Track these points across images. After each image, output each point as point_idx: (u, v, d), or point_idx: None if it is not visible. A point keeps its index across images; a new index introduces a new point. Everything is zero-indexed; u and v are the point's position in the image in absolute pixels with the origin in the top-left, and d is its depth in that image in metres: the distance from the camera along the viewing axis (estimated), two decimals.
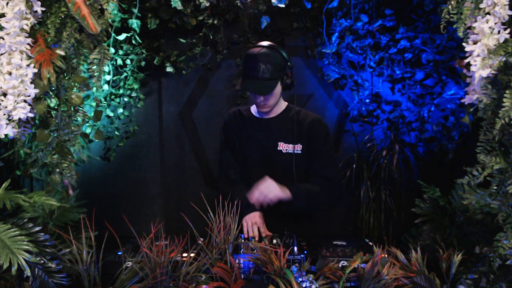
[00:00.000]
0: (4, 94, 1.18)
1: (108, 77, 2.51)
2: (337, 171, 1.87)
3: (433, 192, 1.55)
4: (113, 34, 2.36)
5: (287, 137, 1.82)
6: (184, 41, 2.59)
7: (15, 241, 1.13)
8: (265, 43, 1.71)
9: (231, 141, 1.89)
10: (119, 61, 2.50)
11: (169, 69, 2.61)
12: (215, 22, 2.57)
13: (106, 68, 2.40)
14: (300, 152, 1.80)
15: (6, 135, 1.20)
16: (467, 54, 1.20)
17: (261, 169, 1.84)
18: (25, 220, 1.25)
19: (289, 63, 1.73)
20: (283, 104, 1.88)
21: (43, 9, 1.19)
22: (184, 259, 1.30)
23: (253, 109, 1.92)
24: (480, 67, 1.15)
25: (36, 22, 1.21)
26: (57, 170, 1.35)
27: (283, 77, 1.71)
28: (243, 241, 1.48)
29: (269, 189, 1.64)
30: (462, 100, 1.29)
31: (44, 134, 1.30)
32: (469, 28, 1.20)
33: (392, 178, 2.60)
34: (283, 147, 1.81)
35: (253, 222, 1.62)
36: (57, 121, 1.32)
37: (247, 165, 1.87)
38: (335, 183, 1.80)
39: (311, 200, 1.70)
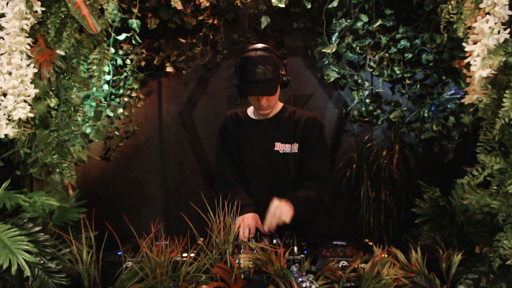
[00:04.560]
0: (4, 94, 1.18)
1: (108, 77, 2.51)
2: (329, 168, 1.85)
3: (433, 192, 1.55)
4: (113, 34, 2.36)
5: (283, 137, 1.82)
6: (184, 41, 2.59)
7: (15, 241, 1.13)
8: (258, 45, 1.71)
9: (228, 143, 1.90)
10: (119, 61, 2.50)
11: (169, 69, 2.61)
12: (215, 22, 2.57)
13: (106, 68, 2.40)
14: (296, 151, 1.81)
15: (6, 135, 1.20)
16: (467, 54, 1.20)
17: (258, 170, 1.84)
18: (25, 220, 1.25)
19: (284, 61, 1.75)
20: (279, 105, 1.89)
21: (43, 9, 1.19)
22: (184, 259, 1.29)
23: (250, 111, 1.92)
24: (480, 67, 1.15)
25: (36, 22, 1.21)
26: (57, 170, 1.34)
27: (281, 76, 1.71)
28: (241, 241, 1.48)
29: (282, 211, 1.57)
30: (462, 100, 1.29)
31: (44, 134, 1.30)
32: (469, 28, 1.20)
33: (392, 178, 2.59)
34: (280, 147, 1.82)
35: (245, 224, 1.61)
36: (57, 121, 1.32)
37: (244, 167, 1.87)
38: (328, 180, 1.79)
39: (310, 207, 1.70)
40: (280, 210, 1.57)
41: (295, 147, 1.81)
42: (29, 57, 1.19)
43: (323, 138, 1.83)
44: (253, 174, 1.85)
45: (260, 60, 1.63)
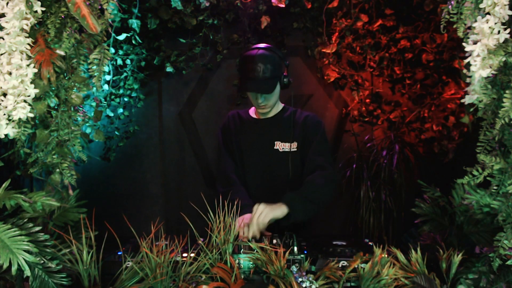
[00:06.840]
0: (4, 94, 1.17)
1: (108, 77, 2.51)
2: (330, 159, 1.84)
3: (433, 192, 1.55)
4: (113, 34, 2.36)
5: (283, 136, 1.85)
6: (184, 41, 2.59)
7: (15, 241, 1.13)
8: (261, 45, 1.77)
9: (229, 142, 1.93)
10: (119, 61, 2.50)
11: (169, 69, 2.61)
12: (215, 22, 2.57)
13: (106, 68, 2.39)
14: (295, 149, 1.83)
15: (6, 135, 1.20)
16: (467, 54, 1.20)
17: (258, 169, 1.87)
18: (25, 220, 1.25)
19: (286, 62, 1.79)
20: (280, 105, 1.93)
21: (43, 9, 1.19)
22: (184, 259, 1.29)
23: (252, 111, 1.96)
24: (480, 67, 1.15)
25: (36, 22, 1.20)
26: (57, 170, 1.34)
27: (281, 76, 1.74)
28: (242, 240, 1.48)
29: (262, 215, 1.56)
30: (462, 100, 1.29)
31: (44, 134, 1.30)
32: (469, 28, 1.20)
33: (392, 178, 2.59)
34: (280, 146, 1.85)
35: (245, 223, 1.62)
36: (57, 121, 1.32)
37: (244, 165, 1.89)
38: (330, 171, 1.77)
39: (309, 203, 1.67)
40: (261, 215, 1.54)
41: (294, 146, 1.83)
42: (29, 57, 1.19)
43: (322, 133, 1.85)
44: (252, 173, 1.87)
45: (260, 59, 1.68)
